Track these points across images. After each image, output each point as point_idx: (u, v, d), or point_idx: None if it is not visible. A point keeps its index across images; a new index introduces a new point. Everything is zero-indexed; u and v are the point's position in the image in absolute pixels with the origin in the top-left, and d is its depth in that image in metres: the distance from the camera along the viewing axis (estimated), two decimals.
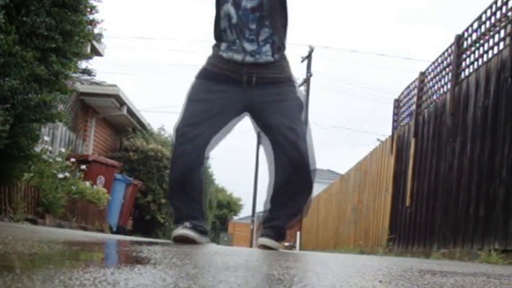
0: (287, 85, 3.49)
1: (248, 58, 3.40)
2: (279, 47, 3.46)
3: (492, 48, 5.47)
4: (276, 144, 3.43)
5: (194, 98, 3.42)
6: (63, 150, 8.66)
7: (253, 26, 3.40)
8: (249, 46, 3.39)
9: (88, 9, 5.18)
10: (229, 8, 3.39)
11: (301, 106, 3.51)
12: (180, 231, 3.27)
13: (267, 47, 3.42)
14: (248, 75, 3.38)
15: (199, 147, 3.37)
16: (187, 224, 3.34)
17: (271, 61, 3.43)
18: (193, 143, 3.35)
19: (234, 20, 3.38)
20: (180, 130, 3.37)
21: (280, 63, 3.48)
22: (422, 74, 7.84)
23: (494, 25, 5.47)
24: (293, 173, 3.39)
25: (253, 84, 3.39)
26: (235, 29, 3.40)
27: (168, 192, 3.57)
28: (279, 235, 3.46)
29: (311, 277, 1.45)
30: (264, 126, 3.48)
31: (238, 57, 3.40)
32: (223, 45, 3.43)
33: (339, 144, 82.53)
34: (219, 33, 3.46)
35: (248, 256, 2.44)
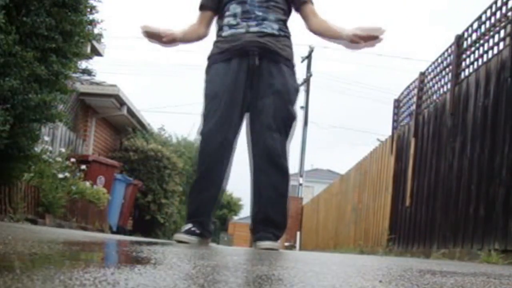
0: (287, 65, 3.42)
1: (253, 28, 3.34)
2: (284, 20, 3.42)
3: (492, 48, 5.46)
4: (253, 132, 3.42)
5: (212, 94, 3.35)
6: (63, 150, 8.66)
7: None
8: (256, 11, 3.34)
9: (88, 9, 5.19)
10: None
11: (297, 91, 3.47)
12: (182, 236, 3.30)
13: (273, 16, 3.36)
14: (252, 50, 3.31)
15: (227, 141, 3.36)
16: (191, 227, 3.36)
17: (276, 34, 3.37)
18: (223, 140, 3.33)
19: None
20: (206, 135, 3.34)
21: (284, 40, 3.42)
22: (422, 74, 7.83)
23: (494, 25, 5.47)
24: (267, 164, 3.35)
25: (256, 63, 3.32)
26: None
27: (194, 182, 3.47)
28: (277, 233, 3.39)
29: (311, 277, 1.45)
30: (252, 107, 3.41)
31: (242, 29, 3.35)
32: (226, 20, 3.39)
33: (339, 144, 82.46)
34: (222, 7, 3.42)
35: (248, 256, 2.44)
